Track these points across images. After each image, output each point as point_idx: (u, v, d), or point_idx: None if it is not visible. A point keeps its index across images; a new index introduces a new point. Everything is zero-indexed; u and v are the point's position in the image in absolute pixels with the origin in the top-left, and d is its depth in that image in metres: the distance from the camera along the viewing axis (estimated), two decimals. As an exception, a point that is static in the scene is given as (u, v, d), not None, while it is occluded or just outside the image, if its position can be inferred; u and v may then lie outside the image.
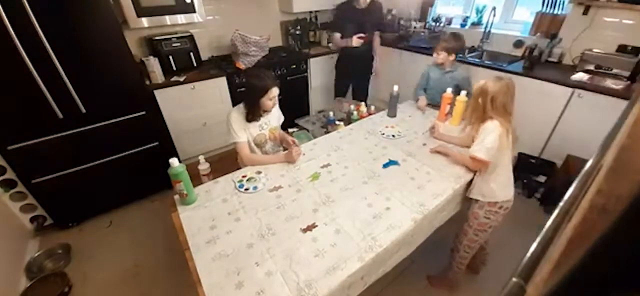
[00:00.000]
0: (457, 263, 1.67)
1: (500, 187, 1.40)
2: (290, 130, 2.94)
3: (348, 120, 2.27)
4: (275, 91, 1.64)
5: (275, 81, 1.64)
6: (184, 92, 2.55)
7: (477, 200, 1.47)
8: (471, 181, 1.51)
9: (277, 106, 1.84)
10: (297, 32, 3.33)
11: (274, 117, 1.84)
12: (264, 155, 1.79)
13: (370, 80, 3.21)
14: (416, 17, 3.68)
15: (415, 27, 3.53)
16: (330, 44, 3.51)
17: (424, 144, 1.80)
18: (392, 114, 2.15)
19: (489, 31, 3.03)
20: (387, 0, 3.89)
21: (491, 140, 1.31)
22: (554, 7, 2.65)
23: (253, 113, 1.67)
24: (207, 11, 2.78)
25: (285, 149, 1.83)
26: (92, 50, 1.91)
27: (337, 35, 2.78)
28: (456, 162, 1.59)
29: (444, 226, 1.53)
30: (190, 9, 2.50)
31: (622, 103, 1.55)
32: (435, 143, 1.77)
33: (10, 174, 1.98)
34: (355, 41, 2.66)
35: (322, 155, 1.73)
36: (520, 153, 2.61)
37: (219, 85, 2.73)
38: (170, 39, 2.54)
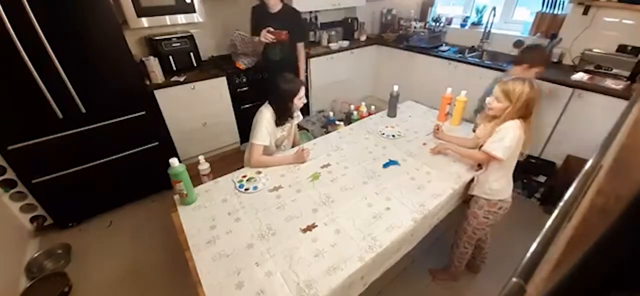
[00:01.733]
0: (457, 258, 1.71)
1: (501, 187, 1.40)
2: (290, 130, 2.94)
3: (348, 120, 2.27)
4: (303, 90, 1.70)
5: (302, 82, 1.73)
6: (184, 92, 2.55)
7: (477, 201, 1.48)
8: (471, 180, 1.51)
9: None
10: (297, 32, 3.32)
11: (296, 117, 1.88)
12: (273, 157, 1.75)
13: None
14: (416, 17, 3.69)
15: (415, 27, 3.53)
16: (330, 44, 3.50)
17: (424, 144, 1.80)
18: (392, 114, 2.15)
19: (489, 31, 3.03)
20: (387, 0, 3.91)
21: (511, 139, 1.27)
22: (554, 7, 2.66)
23: (285, 117, 1.73)
24: (207, 11, 2.78)
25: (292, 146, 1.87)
26: (92, 50, 1.90)
27: (255, 38, 2.48)
28: (460, 157, 1.59)
29: (443, 225, 1.54)
30: (190, 9, 2.49)
31: (622, 103, 1.55)
32: (435, 142, 1.77)
33: (10, 174, 1.97)
34: (264, 36, 2.30)
35: (322, 155, 1.73)
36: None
37: (219, 85, 2.72)
38: (170, 39, 2.54)
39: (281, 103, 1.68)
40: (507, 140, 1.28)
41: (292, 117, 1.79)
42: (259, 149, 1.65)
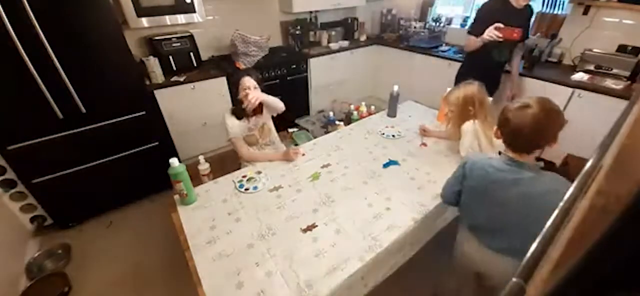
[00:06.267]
0: None
1: None
2: (290, 130, 2.94)
3: (348, 120, 2.27)
4: (246, 82, 1.67)
5: (249, 72, 1.72)
6: (184, 92, 2.55)
7: None
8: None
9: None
10: (297, 32, 3.33)
11: (266, 115, 1.87)
12: (262, 152, 1.82)
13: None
14: (416, 17, 3.68)
15: (415, 27, 3.53)
16: (330, 44, 3.51)
17: (424, 144, 1.80)
18: (392, 114, 2.15)
19: (489, 31, 3.03)
20: (387, 0, 3.91)
21: (468, 140, 1.47)
22: (554, 7, 2.66)
23: (238, 111, 1.73)
24: (207, 11, 2.77)
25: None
26: (92, 50, 1.90)
27: (472, 37, 2.14)
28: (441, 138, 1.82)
29: (445, 227, 1.53)
30: (190, 9, 2.49)
31: (622, 103, 1.55)
32: (429, 141, 1.81)
33: (10, 174, 1.97)
34: (489, 33, 1.94)
35: (322, 155, 1.73)
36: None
37: (219, 85, 2.72)
38: (170, 39, 2.54)
39: (236, 95, 1.72)
40: (466, 142, 1.49)
41: (247, 115, 1.75)
42: (240, 142, 1.73)
